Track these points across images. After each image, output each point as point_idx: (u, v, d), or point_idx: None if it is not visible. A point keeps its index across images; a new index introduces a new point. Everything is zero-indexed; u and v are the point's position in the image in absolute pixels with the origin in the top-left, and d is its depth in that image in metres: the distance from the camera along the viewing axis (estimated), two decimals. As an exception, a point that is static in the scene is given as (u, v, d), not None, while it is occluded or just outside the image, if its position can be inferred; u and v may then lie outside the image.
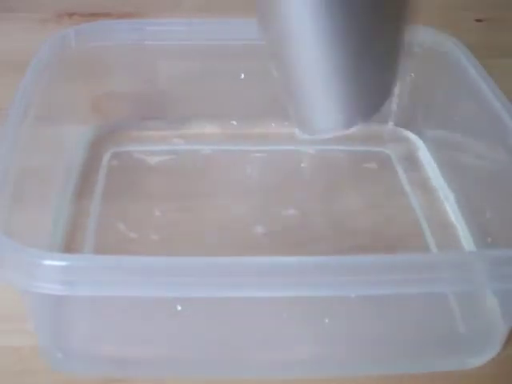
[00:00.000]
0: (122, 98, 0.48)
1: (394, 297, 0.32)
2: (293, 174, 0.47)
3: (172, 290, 0.28)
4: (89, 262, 0.28)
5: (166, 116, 0.49)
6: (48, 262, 0.27)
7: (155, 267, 0.28)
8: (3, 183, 0.32)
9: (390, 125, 0.51)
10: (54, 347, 0.34)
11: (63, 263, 0.27)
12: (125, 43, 0.45)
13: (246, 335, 0.35)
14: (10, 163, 0.33)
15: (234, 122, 0.49)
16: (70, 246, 0.40)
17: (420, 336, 0.35)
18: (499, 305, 0.36)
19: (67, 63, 0.44)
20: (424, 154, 0.49)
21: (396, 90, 0.49)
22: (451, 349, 0.36)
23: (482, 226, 0.41)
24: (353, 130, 0.28)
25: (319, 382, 0.34)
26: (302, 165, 0.48)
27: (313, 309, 0.34)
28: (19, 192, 0.33)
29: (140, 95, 0.47)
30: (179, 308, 0.34)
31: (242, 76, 0.48)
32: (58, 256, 0.28)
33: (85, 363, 0.35)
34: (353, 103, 0.27)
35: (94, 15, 0.61)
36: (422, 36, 0.45)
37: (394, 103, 0.50)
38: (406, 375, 0.34)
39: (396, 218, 0.44)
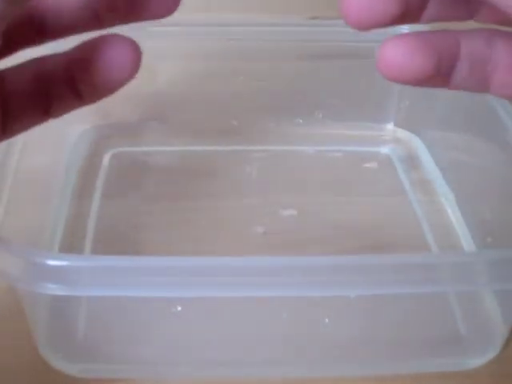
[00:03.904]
0: (122, 98, 0.48)
1: (394, 297, 0.32)
2: (293, 174, 0.47)
3: (172, 290, 0.28)
4: (89, 262, 0.28)
5: (166, 116, 0.49)
6: (48, 262, 0.27)
7: (155, 267, 0.28)
8: (3, 183, 0.32)
9: (390, 125, 0.51)
10: (53, 347, 0.34)
11: (63, 263, 0.27)
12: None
13: (245, 335, 0.35)
14: (9, 163, 0.33)
15: (234, 122, 0.50)
16: (70, 245, 0.40)
17: (420, 336, 0.35)
18: (499, 305, 0.36)
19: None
20: (424, 154, 0.49)
21: (396, 90, 0.49)
22: (451, 349, 0.36)
23: (482, 226, 0.41)
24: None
25: (319, 382, 0.34)
26: (302, 165, 0.48)
27: (313, 309, 0.34)
28: (19, 192, 0.33)
29: (140, 95, 0.47)
30: (179, 308, 0.34)
31: (241, 77, 0.48)
32: (58, 256, 0.28)
33: (85, 363, 0.35)
34: None
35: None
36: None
37: (393, 103, 0.50)
38: (406, 375, 0.34)
39: (396, 218, 0.44)
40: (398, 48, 0.20)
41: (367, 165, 0.48)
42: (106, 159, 0.47)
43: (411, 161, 0.49)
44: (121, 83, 0.22)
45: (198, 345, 0.34)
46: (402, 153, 0.49)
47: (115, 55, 0.21)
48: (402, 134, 0.51)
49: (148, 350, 0.34)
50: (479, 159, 0.43)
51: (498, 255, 0.29)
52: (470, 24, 0.22)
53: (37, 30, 0.22)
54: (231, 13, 0.47)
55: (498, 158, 0.39)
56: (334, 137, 0.50)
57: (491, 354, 0.35)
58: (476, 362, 0.35)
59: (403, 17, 0.20)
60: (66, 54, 0.22)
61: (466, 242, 0.42)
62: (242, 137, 0.49)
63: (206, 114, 0.49)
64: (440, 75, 0.20)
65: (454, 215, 0.44)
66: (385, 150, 0.50)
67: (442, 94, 0.46)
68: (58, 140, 0.45)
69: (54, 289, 0.27)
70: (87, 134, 0.48)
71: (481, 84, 0.21)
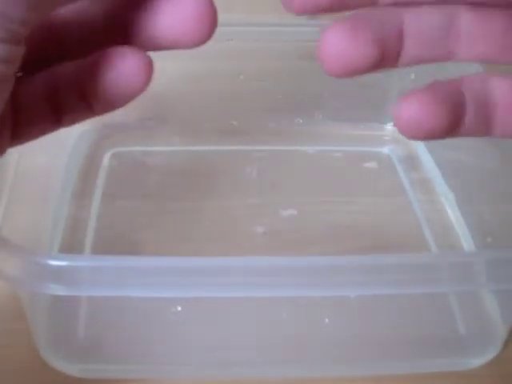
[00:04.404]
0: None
1: (394, 297, 0.32)
2: (293, 174, 0.47)
3: (172, 290, 0.28)
4: (89, 262, 0.28)
5: (165, 116, 0.49)
6: (48, 262, 0.27)
7: (155, 267, 0.28)
8: (3, 183, 0.32)
9: (390, 125, 0.51)
10: (53, 347, 0.34)
11: (63, 263, 0.27)
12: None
13: (245, 335, 0.35)
14: (9, 163, 0.33)
15: (234, 122, 0.50)
16: (70, 246, 0.40)
17: (420, 336, 0.35)
18: (499, 305, 0.36)
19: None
20: (424, 154, 0.49)
21: (396, 91, 0.49)
22: (451, 349, 0.36)
23: (482, 226, 0.41)
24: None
25: (319, 382, 0.34)
26: (302, 165, 0.48)
27: (313, 309, 0.34)
28: (19, 192, 0.33)
29: (140, 95, 0.47)
30: (179, 308, 0.34)
31: (241, 77, 0.48)
32: (58, 256, 0.28)
33: (85, 363, 0.35)
34: None
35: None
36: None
37: (393, 103, 0.50)
38: (406, 375, 0.34)
39: (396, 217, 0.44)
40: (414, 106, 0.20)
41: (367, 165, 0.48)
42: (106, 159, 0.47)
43: (411, 161, 0.49)
44: (131, 96, 0.22)
45: (198, 345, 0.34)
46: (401, 153, 0.49)
47: (125, 68, 0.21)
48: (402, 134, 0.50)
49: (148, 350, 0.34)
50: (479, 159, 0.43)
51: (497, 255, 0.29)
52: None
53: (57, 46, 0.22)
54: (231, 13, 0.47)
55: (498, 158, 0.39)
56: (334, 137, 0.50)
57: (491, 354, 0.35)
58: (476, 361, 0.35)
59: (383, 61, 0.20)
60: (76, 65, 0.22)
61: (466, 241, 0.42)
62: (242, 137, 0.49)
63: (206, 114, 0.49)
64: (456, 126, 0.21)
65: (453, 215, 0.44)
66: (385, 150, 0.50)
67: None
68: (58, 140, 0.45)
69: (54, 289, 0.27)
70: (87, 134, 0.48)
71: (484, 127, 0.21)
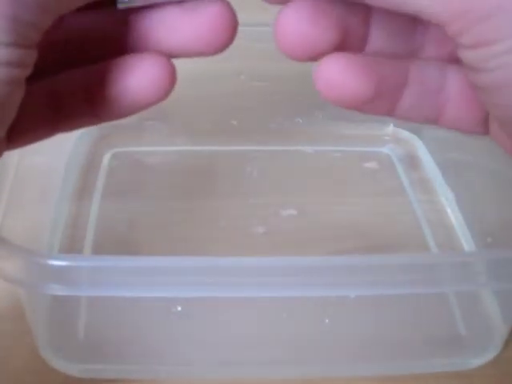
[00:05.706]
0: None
1: (394, 297, 0.32)
2: (293, 174, 0.47)
3: (172, 290, 0.28)
4: (89, 262, 0.28)
5: (166, 116, 0.49)
6: (48, 262, 0.27)
7: (155, 267, 0.28)
8: (3, 183, 0.32)
9: (390, 125, 0.51)
10: (53, 347, 0.34)
11: (63, 263, 0.27)
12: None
13: (245, 335, 0.35)
14: (9, 163, 0.33)
15: (234, 122, 0.49)
16: (70, 246, 0.40)
17: (420, 336, 0.35)
18: (499, 305, 0.36)
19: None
20: (424, 154, 0.49)
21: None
22: (451, 349, 0.36)
23: (482, 226, 0.41)
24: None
25: (319, 382, 0.34)
26: (302, 165, 0.48)
27: (313, 309, 0.34)
28: (19, 192, 0.33)
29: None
30: (179, 308, 0.34)
31: (242, 77, 0.48)
32: (58, 256, 0.28)
33: (85, 363, 0.35)
34: None
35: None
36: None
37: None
38: (406, 375, 0.34)
39: (396, 218, 0.44)
40: (336, 66, 0.19)
41: (367, 165, 0.48)
42: (106, 159, 0.47)
43: (411, 161, 0.49)
44: (145, 106, 0.20)
45: (198, 345, 0.34)
46: (401, 153, 0.49)
47: (140, 79, 0.19)
48: (402, 134, 0.51)
49: (148, 350, 0.34)
50: (479, 159, 0.43)
51: (497, 255, 0.29)
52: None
53: (60, 54, 0.21)
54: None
55: (498, 158, 0.39)
56: (334, 137, 0.50)
57: (491, 354, 0.35)
58: (476, 361, 0.35)
59: (344, 46, 0.20)
60: (84, 72, 0.21)
61: (466, 241, 0.42)
62: (242, 137, 0.49)
63: (206, 114, 0.49)
64: (382, 99, 0.20)
65: (453, 215, 0.44)
66: (385, 149, 0.50)
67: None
68: (58, 140, 0.45)
69: (54, 289, 0.27)
70: (87, 133, 0.48)
71: (429, 113, 0.20)
